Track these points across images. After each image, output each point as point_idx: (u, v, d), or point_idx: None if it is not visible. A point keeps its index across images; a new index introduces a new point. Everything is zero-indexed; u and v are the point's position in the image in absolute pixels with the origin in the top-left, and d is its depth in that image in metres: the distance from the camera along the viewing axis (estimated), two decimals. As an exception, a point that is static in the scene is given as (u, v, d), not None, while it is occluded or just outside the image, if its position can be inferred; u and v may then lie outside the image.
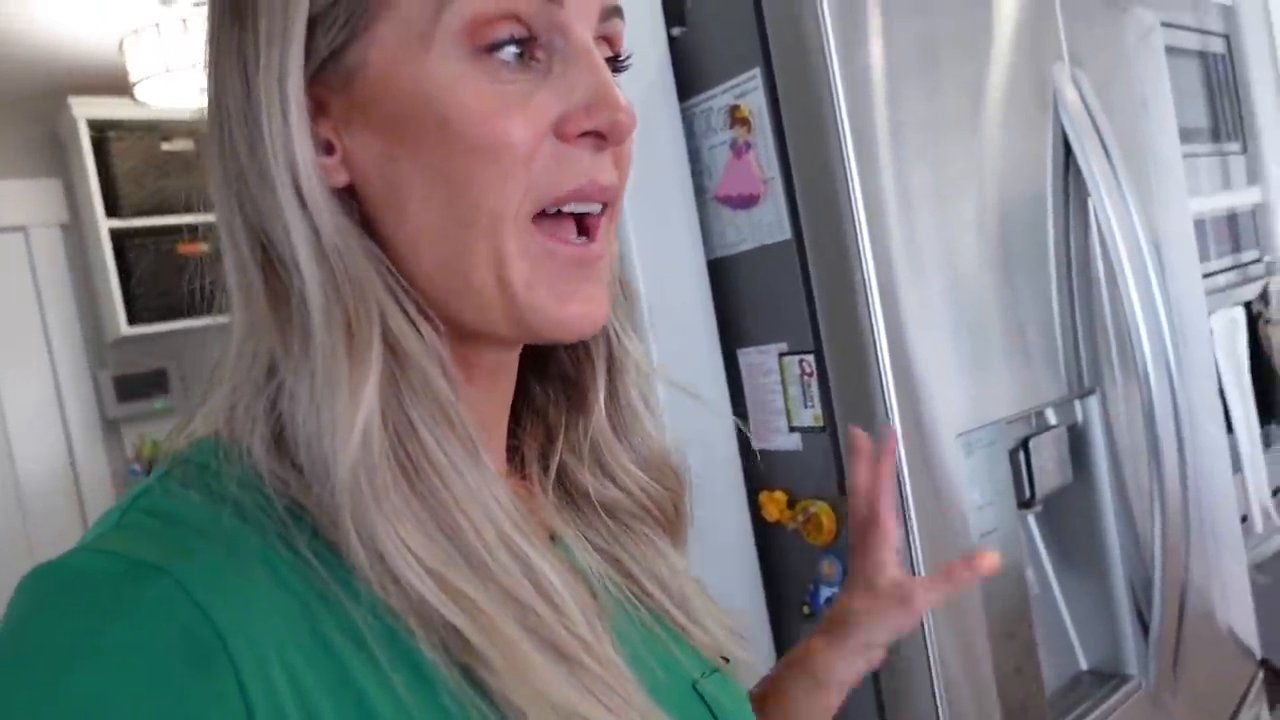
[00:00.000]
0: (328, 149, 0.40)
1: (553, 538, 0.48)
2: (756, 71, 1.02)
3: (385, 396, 0.38)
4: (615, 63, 0.45)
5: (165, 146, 2.70)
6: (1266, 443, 1.88)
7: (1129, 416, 1.25)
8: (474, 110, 0.38)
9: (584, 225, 0.42)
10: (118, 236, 2.65)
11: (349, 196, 0.41)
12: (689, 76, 1.09)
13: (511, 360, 0.47)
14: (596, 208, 0.42)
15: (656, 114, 1.08)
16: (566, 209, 0.41)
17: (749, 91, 1.04)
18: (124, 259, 2.64)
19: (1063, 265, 1.21)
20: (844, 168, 0.97)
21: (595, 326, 0.43)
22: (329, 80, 0.40)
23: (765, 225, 1.05)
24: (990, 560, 0.64)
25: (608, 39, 0.44)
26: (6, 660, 0.32)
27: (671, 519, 0.54)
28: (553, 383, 0.52)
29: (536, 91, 0.40)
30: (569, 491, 0.51)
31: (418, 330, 0.40)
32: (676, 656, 0.49)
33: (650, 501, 0.52)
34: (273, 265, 0.39)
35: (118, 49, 2.28)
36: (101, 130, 2.64)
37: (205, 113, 0.41)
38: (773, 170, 1.03)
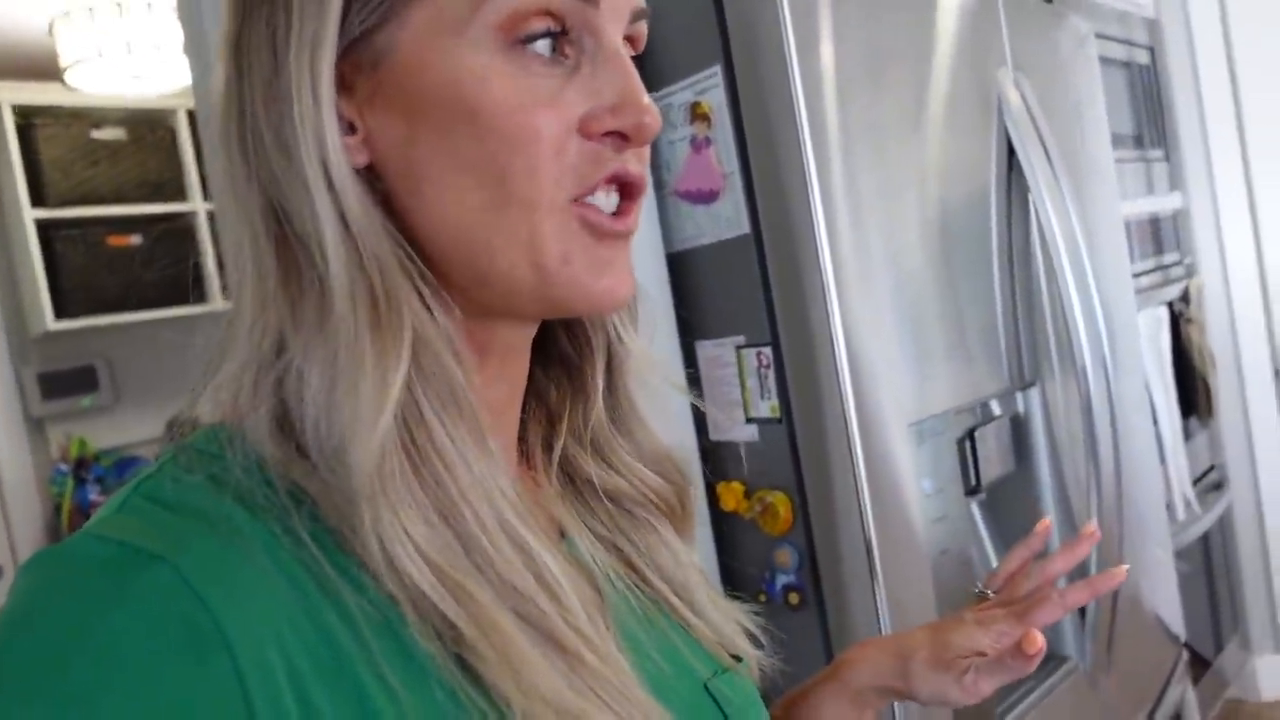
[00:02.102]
0: (350, 128, 0.40)
1: (561, 533, 0.48)
2: (717, 69, 1.04)
3: (406, 380, 0.38)
4: (636, 62, 0.45)
5: (95, 134, 2.60)
6: (1186, 435, 1.98)
7: (1067, 408, 1.30)
8: (504, 102, 0.39)
9: (616, 209, 0.43)
10: (44, 227, 2.54)
11: (369, 176, 0.41)
12: (650, 72, 1.10)
13: (525, 340, 0.47)
14: (617, 201, 0.43)
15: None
16: (594, 200, 0.42)
17: (709, 88, 1.05)
18: (50, 250, 2.54)
19: (1005, 262, 1.25)
20: (802, 165, 0.99)
21: (624, 301, 0.44)
22: (357, 60, 0.40)
23: (724, 220, 1.07)
24: (1119, 573, 0.60)
25: (631, 39, 0.44)
26: (5, 645, 0.32)
27: (676, 511, 0.53)
28: (555, 367, 0.52)
29: (565, 88, 0.40)
30: (572, 478, 0.51)
31: (432, 314, 0.40)
32: (686, 655, 0.49)
33: (653, 493, 0.52)
34: (287, 241, 0.39)
35: (47, 31, 2.19)
36: (27, 116, 2.53)
37: (221, 83, 0.41)
38: (732, 166, 1.05)
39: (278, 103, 0.38)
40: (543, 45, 0.40)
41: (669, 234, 1.12)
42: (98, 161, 2.62)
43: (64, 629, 0.31)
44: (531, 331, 0.47)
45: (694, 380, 1.12)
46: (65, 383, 2.66)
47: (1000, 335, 1.23)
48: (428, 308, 0.40)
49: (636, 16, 0.43)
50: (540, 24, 0.39)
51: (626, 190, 0.43)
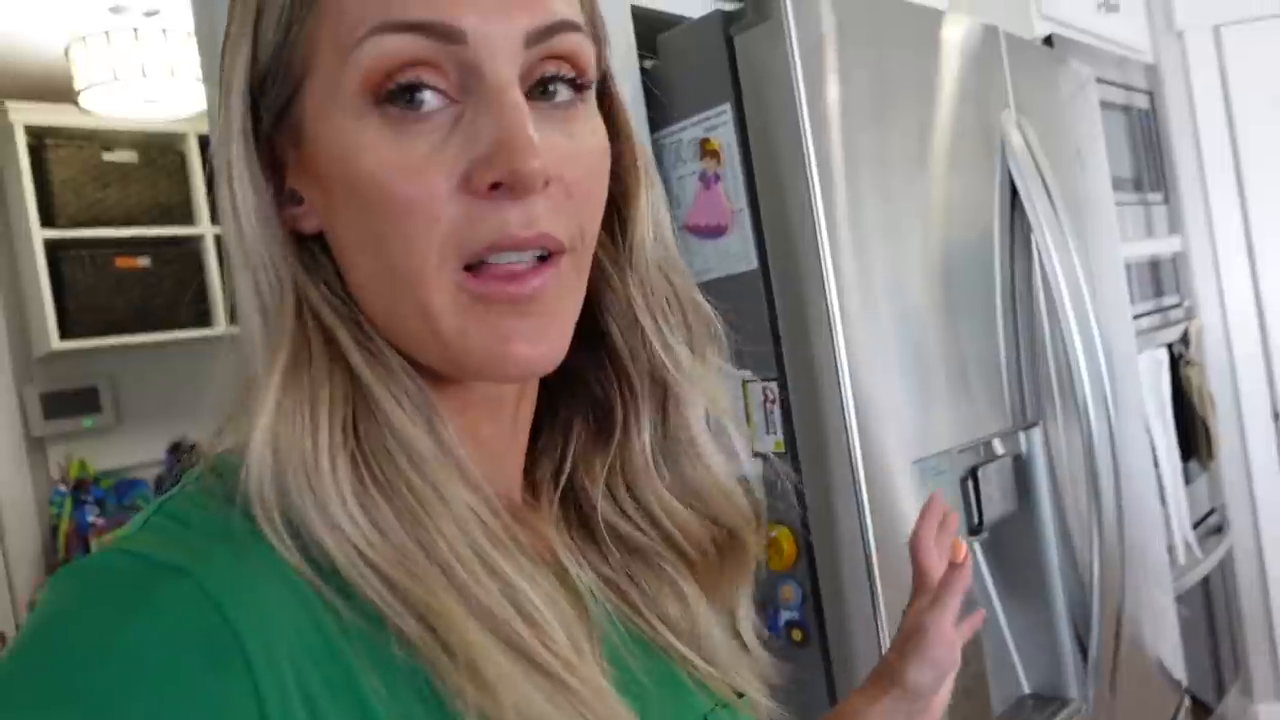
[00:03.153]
0: (298, 199, 0.42)
1: (558, 561, 0.47)
2: (727, 107, 1.06)
3: (354, 422, 0.39)
4: (575, 84, 0.41)
5: (106, 156, 2.63)
6: (1187, 478, 1.98)
7: (1069, 448, 1.30)
8: (375, 172, 0.38)
9: (516, 274, 0.39)
10: (52, 247, 2.56)
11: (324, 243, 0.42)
12: (660, 109, 1.12)
13: (512, 390, 0.46)
14: (526, 258, 0.39)
15: (627, 143, 1.10)
16: (492, 260, 0.39)
17: (719, 125, 1.07)
18: (58, 271, 2.56)
19: (1007, 302, 1.26)
20: (810, 202, 1.01)
21: (540, 367, 0.41)
22: (285, 136, 0.41)
23: (732, 255, 1.08)
24: (960, 548, 0.67)
25: (560, 58, 0.40)
26: (29, 653, 0.33)
27: (710, 558, 0.51)
28: (580, 404, 0.50)
29: (445, 144, 0.38)
30: (584, 514, 0.50)
31: (381, 364, 0.41)
32: (686, 687, 0.48)
33: (682, 537, 0.50)
34: (261, 301, 0.41)
35: (63, 55, 2.22)
36: (39, 137, 2.56)
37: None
38: (740, 202, 1.06)
39: (228, 182, 0.41)
40: (415, 101, 0.37)
41: (677, 268, 1.13)
42: (108, 184, 2.65)
43: (88, 637, 0.32)
44: (513, 385, 0.46)
45: (699, 413, 1.13)
46: (67, 403, 2.66)
47: (1003, 374, 1.24)
48: (376, 359, 0.41)
49: (543, 34, 0.39)
50: (403, 77, 0.37)
51: (526, 250, 0.39)
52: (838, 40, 1.04)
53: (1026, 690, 1.29)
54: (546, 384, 0.50)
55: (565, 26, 0.40)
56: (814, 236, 1.01)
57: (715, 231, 1.09)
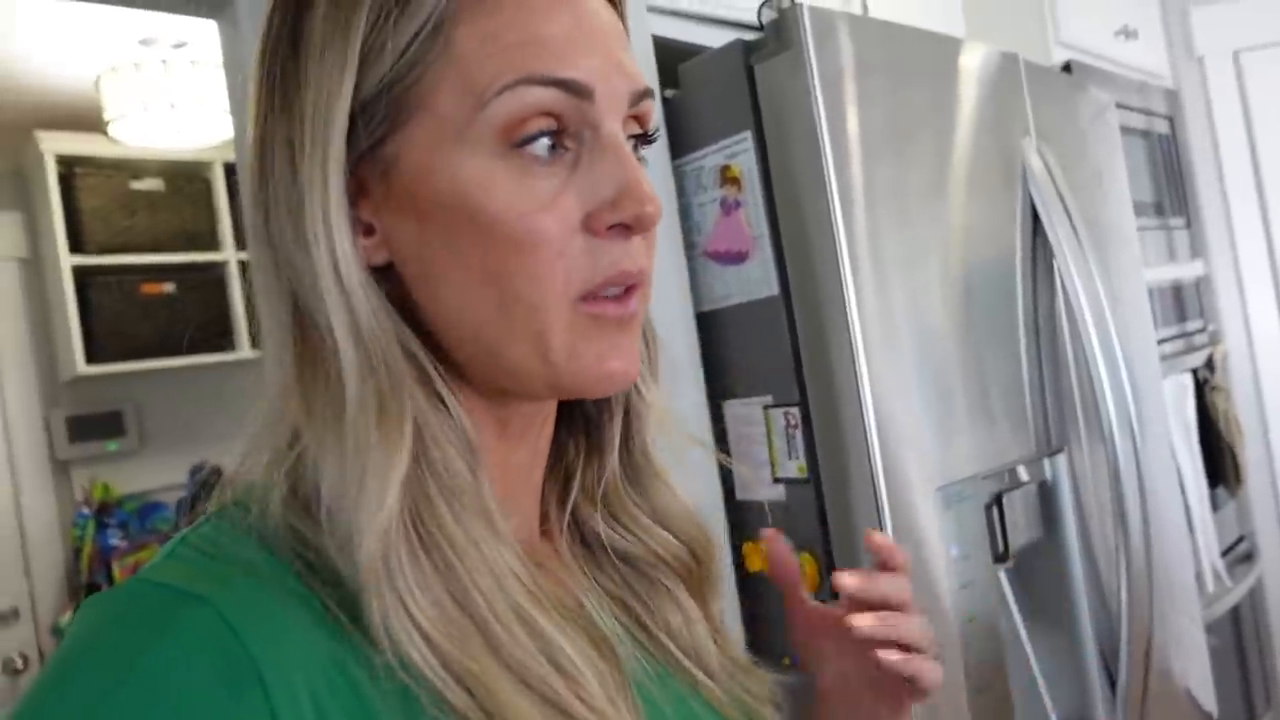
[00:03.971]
0: (368, 230, 0.43)
1: (580, 603, 0.48)
2: (748, 134, 1.07)
3: (407, 473, 0.39)
4: (645, 139, 0.46)
5: (134, 185, 2.67)
6: (1214, 505, 1.95)
7: (1094, 475, 1.29)
8: (506, 207, 0.40)
9: (619, 299, 0.44)
10: (80, 273, 2.60)
11: (388, 273, 0.43)
12: (681, 136, 1.13)
13: (546, 412, 0.49)
14: (621, 289, 0.44)
15: (649, 172, 1.11)
16: (600, 292, 0.43)
17: (740, 153, 1.08)
18: (85, 296, 2.60)
19: (1031, 328, 1.26)
20: (831, 228, 1.01)
21: (630, 380, 0.45)
22: (370, 167, 0.42)
23: (753, 281, 1.08)
24: (879, 538, 0.56)
25: (638, 118, 0.45)
26: (56, 680, 0.34)
27: (694, 573, 0.53)
28: (574, 424, 0.53)
29: (567, 186, 0.41)
30: (585, 536, 0.52)
31: (445, 406, 0.42)
32: (701, 715, 0.49)
33: (666, 553, 0.52)
34: (306, 333, 0.41)
35: (94, 86, 2.27)
36: (69, 166, 2.61)
37: (249, 180, 0.43)
38: (761, 228, 1.07)
39: (295, 209, 0.41)
40: (541, 145, 0.41)
41: (698, 294, 1.14)
42: (136, 211, 2.69)
43: (110, 663, 0.34)
44: (552, 404, 0.49)
45: (721, 439, 1.13)
46: (92, 426, 2.69)
47: (1026, 400, 1.23)
48: (440, 401, 0.42)
49: (638, 98, 0.44)
50: (538, 125, 0.41)
51: (630, 284, 0.44)
52: (856, 68, 1.05)
53: (1054, 721, 1.27)
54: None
55: (649, 94, 0.45)
56: (835, 262, 1.01)
57: (736, 258, 1.09)
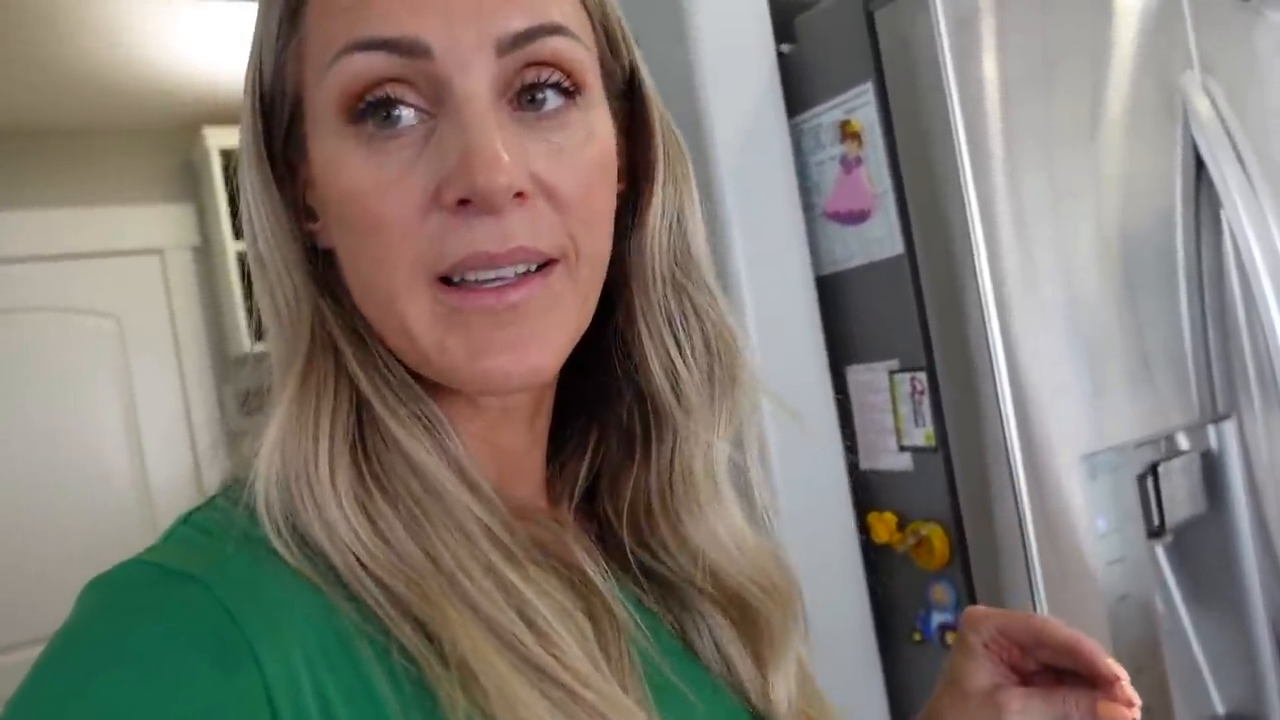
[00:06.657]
0: (313, 215, 0.43)
1: (583, 571, 0.45)
2: (869, 86, 1.01)
3: (361, 432, 0.40)
4: (565, 90, 0.39)
5: (289, 174, 2.85)
6: None
7: (1270, 444, 1.17)
8: (350, 189, 0.38)
9: (495, 288, 0.39)
10: (244, 259, 2.80)
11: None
12: (797, 92, 1.09)
13: (531, 396, 0.45)
14: (509, 273, 0.38)
15: (765, 131, 1.08)
16: (471, 277, 0.38)
17: (860, 107, 1.03)
18: (250, 280, 2.80)
19: (1194, 283, 1.15)
20: (959, 181, 0.95)
21: (525, 379, 0.39)
22: (298, 152, 0.42)
23: (875, 241, 1.04)
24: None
25: (544, 64, 0.38)
26: (49, 659, 0.34)
27: (746, 617, 0.48)
28: (610, 426, 0.49)
29: (418, 159, 0.37)
30: (616, 545, 0.48)
31: (380, 375, 0.41)
32: (731, 702, 0.47)
33: (707, 585, 0.47)
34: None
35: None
36: (232, 158, 2.81)
37: None
38: (884, 185, 1.02)
39: (244, 197, 0.42)
40: (398, 114, 0.37)
41: (818, 257, 1.10)
42: (292, 198, 2.87)
43: (100, 642, 0.33)
44: (541, 389, 0.45)
45: (844, 406, 1.09)
46: (261, 400, 2.91)
47: (1189, 363, 1.12)
48: (378, 369, 0.41)
49: (519, 39, 0.37)
50: (373, 95, 0.37)
51: (500, 266, 0.38)
52: (995, 6, 0.98)
53: (1220, 711, 1.17)
54: (581, 397, 0.49)
55: (544, 31, 0.38)
56: (965, 218, 0.95)
57: (857, 217, 1.05)
